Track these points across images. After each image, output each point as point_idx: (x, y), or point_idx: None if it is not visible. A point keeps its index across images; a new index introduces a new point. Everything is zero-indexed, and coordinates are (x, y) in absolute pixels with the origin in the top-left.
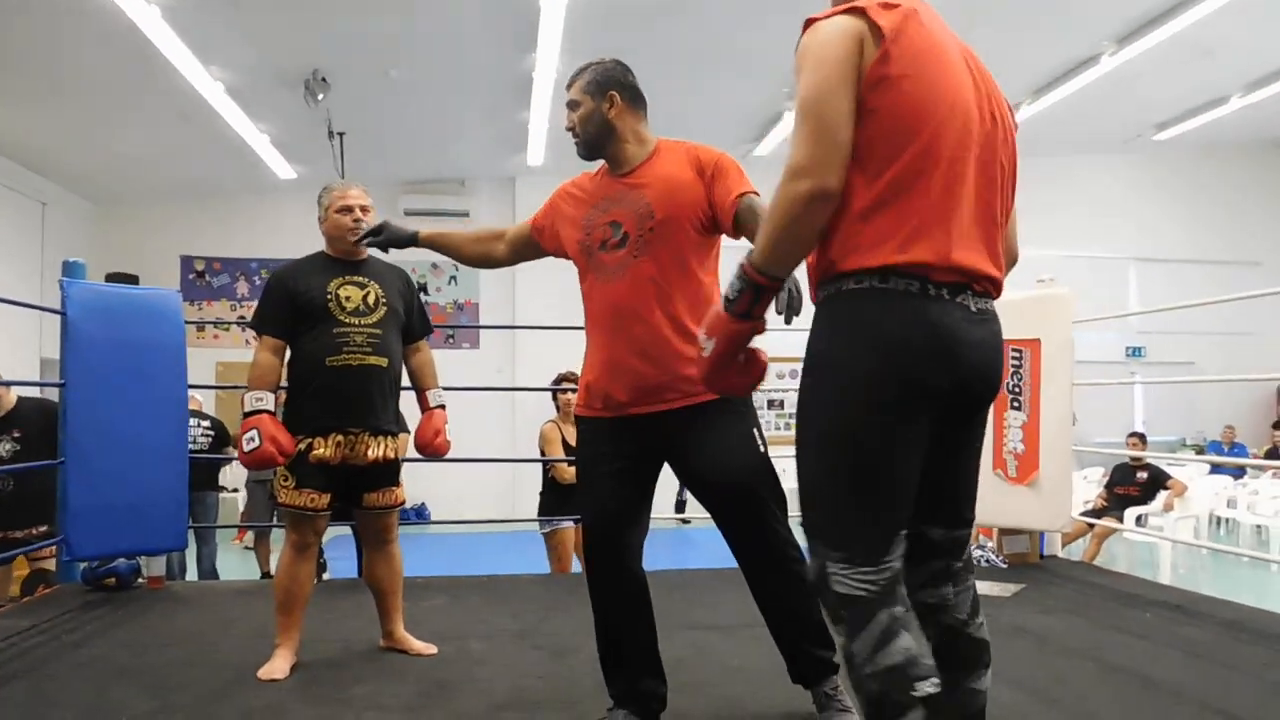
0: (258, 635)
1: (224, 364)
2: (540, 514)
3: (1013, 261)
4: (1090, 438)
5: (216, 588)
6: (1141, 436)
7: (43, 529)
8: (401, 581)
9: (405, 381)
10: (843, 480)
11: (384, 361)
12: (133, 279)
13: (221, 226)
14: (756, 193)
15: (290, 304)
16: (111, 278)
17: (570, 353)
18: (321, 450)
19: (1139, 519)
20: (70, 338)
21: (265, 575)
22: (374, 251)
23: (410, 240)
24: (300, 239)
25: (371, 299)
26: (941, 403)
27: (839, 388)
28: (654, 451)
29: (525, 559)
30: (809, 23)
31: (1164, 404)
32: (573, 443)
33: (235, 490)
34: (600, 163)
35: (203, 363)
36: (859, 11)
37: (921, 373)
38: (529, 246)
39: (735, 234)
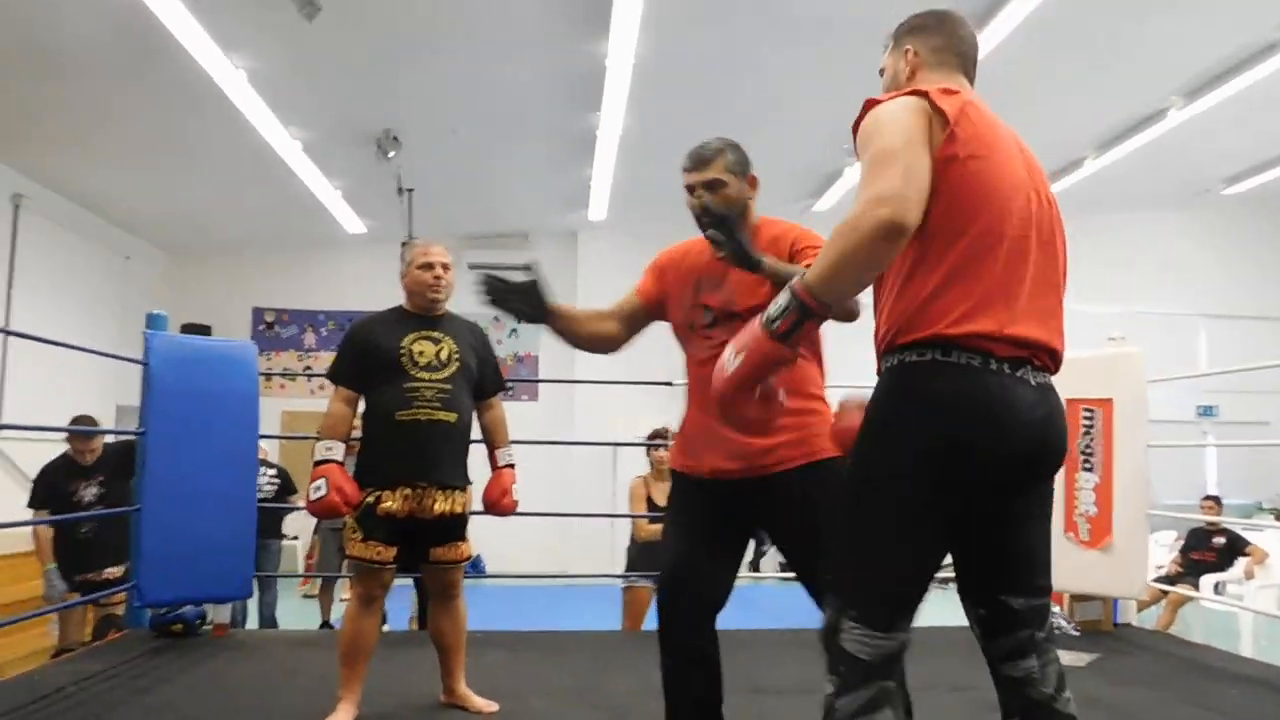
0: (319, 686)
1: (290, 413)
2: (625, 569)
3: None
4: (1160, 500)
5: (278, 637)
6: (1216, 500)
7: (118, 572)
8: (465, 637)
9: (476, 434)
10: (876, 546)
11: (453, 417)
12: (206, 330)
13: (291, 278)
14: None
15: (364, 357)
16: (186, 328)
17: (628, 406)
18: (389, 503)
19: (1217, 587)
20: (152, 387)
21: (325, 625)
22: (451, 307)
23: (542, 317)
24: (366, 291)
25: (444, 354)
26: (1001, 475)
27: (892, 458)
28: (743, 515)
29: (576, 614)
30: (869, 104)
31: (1238, 466)
32: (659, 500)
33: (296, 538)
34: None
35: (269, 412)
36: (922, 94)
37: (978, 444)
38: (642, 316)
39: None
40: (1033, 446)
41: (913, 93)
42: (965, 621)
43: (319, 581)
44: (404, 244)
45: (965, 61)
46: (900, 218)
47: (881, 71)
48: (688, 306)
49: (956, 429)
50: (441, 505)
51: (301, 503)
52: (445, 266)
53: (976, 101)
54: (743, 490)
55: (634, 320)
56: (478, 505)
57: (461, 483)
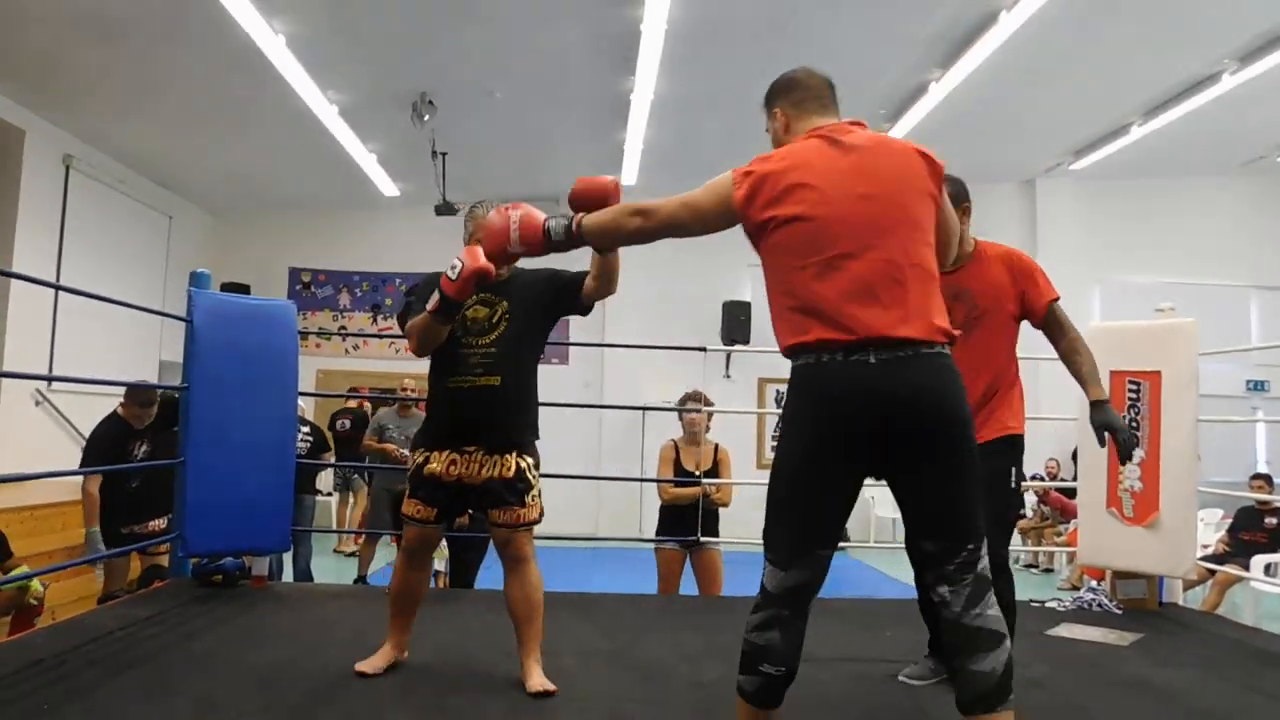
0: (355, 639)
1: (324, 371)
2: (656, 533)
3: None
4: (1206, 477)
5: (314, 590)
6: (1268, 478)
7: (162, 524)
8: (538, 609)
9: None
10: (773, 506)
11: (497, 380)
12: (245, 288)
13: (327, 240)
14: None
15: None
16: (226, 287)
17: (657, 372)
18: (434, 465)
19: (1268, 568)
20: (195, 343)
21: (360, 580)
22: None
23: None
24: (401, 254)
25: (496, 316)
26: (870, 443)
27: (784, 437)
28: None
29: (608, 576)
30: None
31: None
32: (687, 465)
33: (330, 494)
34: None
35: (305, 370)
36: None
37: (833, 422)
38: None
39: None
40: (889, 412)
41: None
42: None
43: (351, 537)
44: (470, 208)
45: (822, 102)
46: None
47: (767, 129)
48: None
49: (813, 411)
50: (489, 471)
51: (332, 458)
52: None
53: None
54: None
55: None
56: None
57: (514, 446)
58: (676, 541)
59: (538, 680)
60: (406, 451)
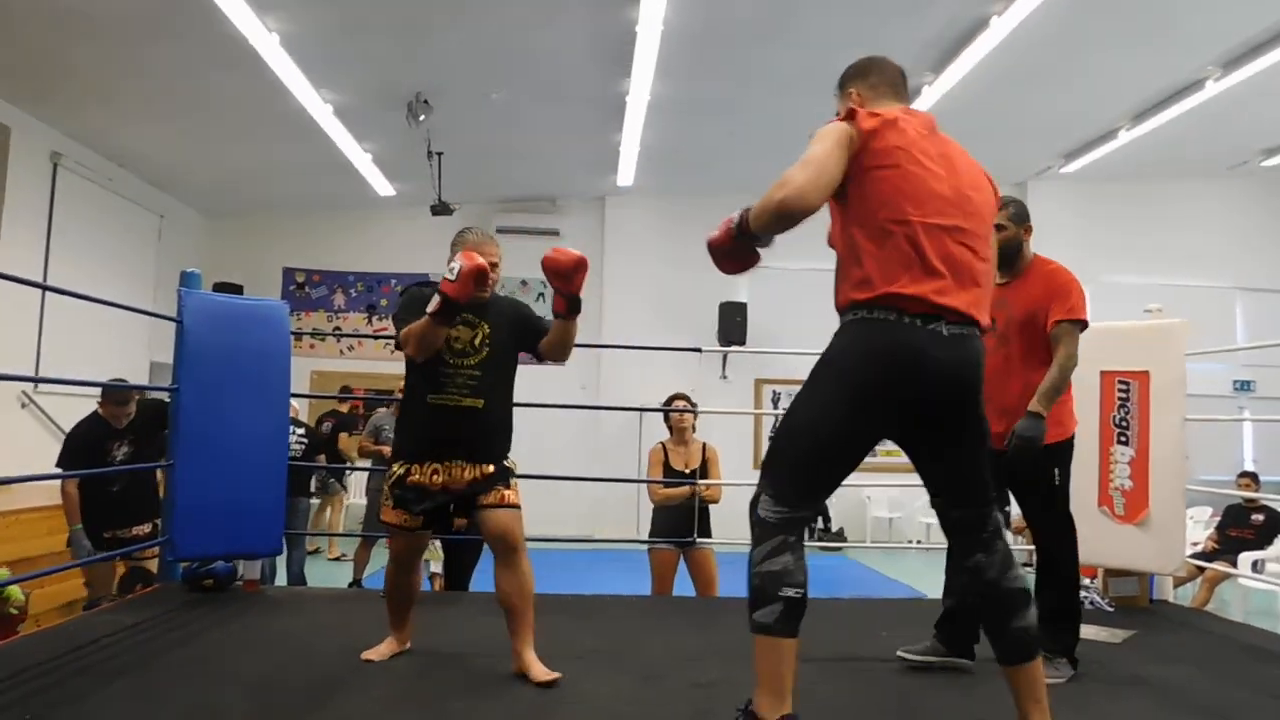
0: (350, 642)
1: (319, 373)
2: (649, 534)
3: None
4: (1194, 475)
5: (308, 594)
6: (1254, 476)
7: (146, 528)
8: (531, 600)
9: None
10: (799, 449)
11: (480, 403)
12: (238, 289)
13: (322, 240)
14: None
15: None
16: (219, 287)
17: (654, 373)
18: (418, 476)
19: (1256, 565)
20: (185, 344)
21: (355, 583)
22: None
23: None
24: (396, 254)
25: (479, 340)
26: (914, 406)
27: (822, 380)
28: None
29: (606, 578)
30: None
31: (1275, 441)
32: (675, 465)
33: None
34: None
35: (299, 371)
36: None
37: (885, 380)
38: None
39: None
40: (938, 380)
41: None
42: None
43: (329, 544)
44: (460, 233)
45: (896, 89)
46: (792, 203)
47: (837, 114)
48: None
49: (867, 366)
50: (471, 474)
51: (322, 460)
52: (494, 265)
53: (903, 118)
54: None
55: None
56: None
57: (494, 459)
58: (670, 542)
59: (540, 670)
60: None
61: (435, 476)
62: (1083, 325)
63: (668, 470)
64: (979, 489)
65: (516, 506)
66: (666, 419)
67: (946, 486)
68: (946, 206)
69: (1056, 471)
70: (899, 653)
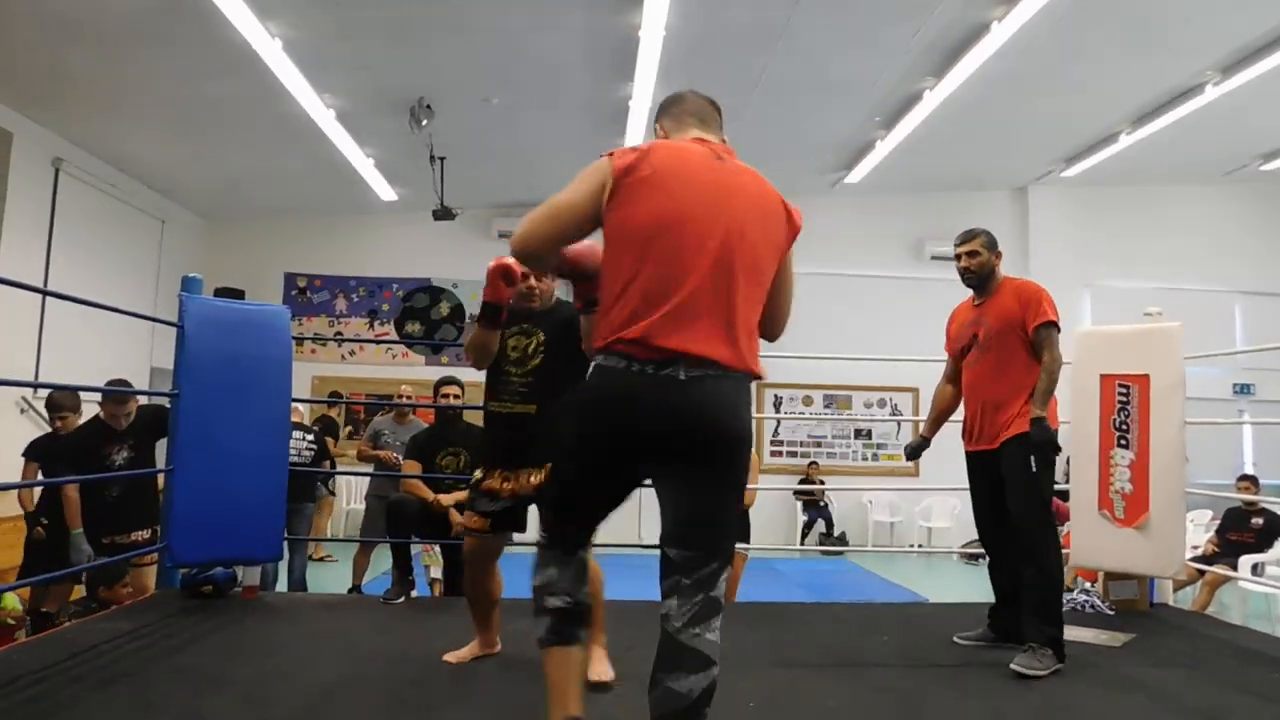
0: (349, 650)
1: (320, 378)
2: None
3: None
4: (1194, 479)
5: (308, 600)
6: (1254, 480)
7: (145, 534)
8: (598, 600)
9: None
10: (551, 490)
11: (533, 409)
12: (239, 294)
13: (323, 245)
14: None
15: None
16: (220, 292)
17: None
18: (490, 481)
19: (1255, 568)
20: (185, 349)
21: (355, 589)
22: (562, 294)
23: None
24: (398, 259)
25: (532, 348)
26: (635, 447)
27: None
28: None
29: (607, 583)
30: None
31: (1275, 445)
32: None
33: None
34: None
35: (301, 376)
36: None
37: (602, 424)
38: (958, 368)
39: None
40: (663, 425)
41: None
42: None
43: (315, 547)
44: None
45: (701, 118)
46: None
47: None
48: (962, 337)
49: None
50: (537, 478)
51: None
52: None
53: (674, 149)
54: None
55: (959, 374)
56: None
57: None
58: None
59: (598, 670)
60: (400, 457)
61: (505, 483)
62: (1057, 327)
63: None
64: (700, 534)
65: None
66: None
67: (672, 526)
68: (699, 244)
69: (1031, 459)
70: (955, 639)
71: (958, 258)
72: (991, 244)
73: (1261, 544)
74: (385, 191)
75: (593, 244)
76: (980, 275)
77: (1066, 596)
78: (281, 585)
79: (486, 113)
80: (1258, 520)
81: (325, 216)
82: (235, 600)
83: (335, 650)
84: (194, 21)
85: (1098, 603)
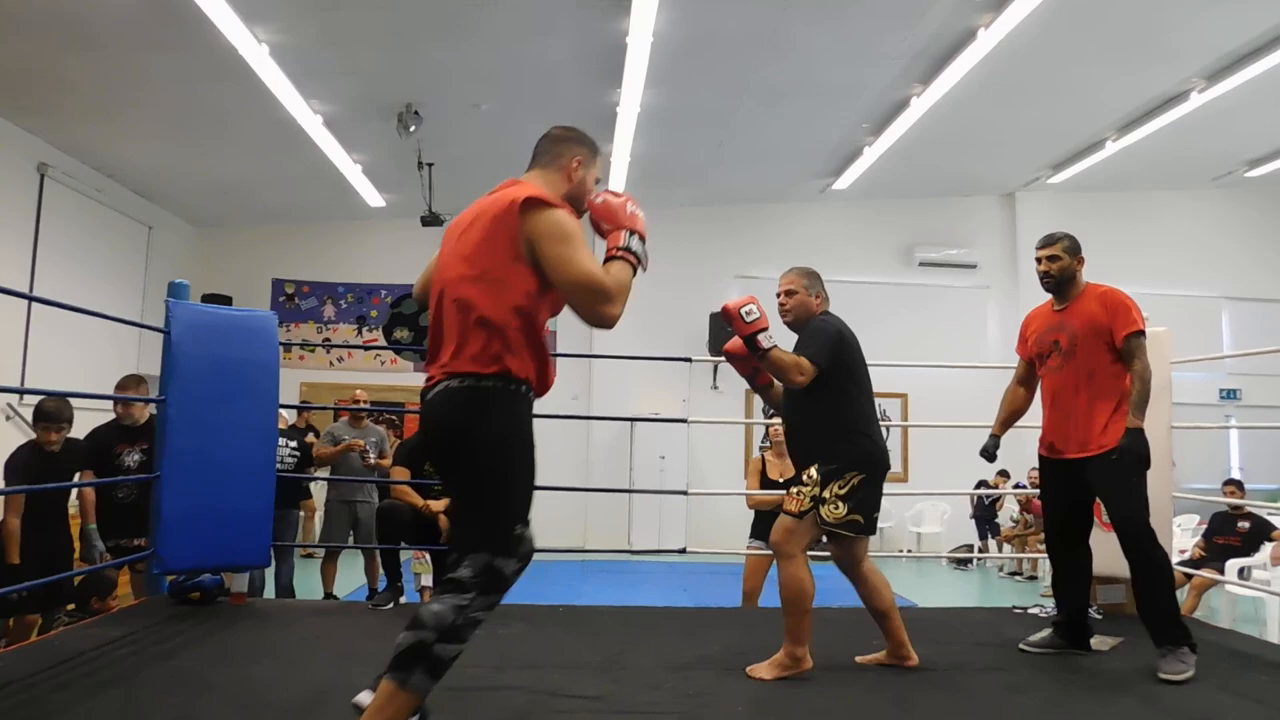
0: (338, 655)
1: (308, 384)
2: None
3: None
4: (1181, 483)
5: (297, 606)
6: (1239, 484)
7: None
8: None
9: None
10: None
11: (787, 422)
12: (226, 300)
13: (312, 251)
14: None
15: None
16: (207, 298)
17: (644, 383)
18: None
19: (1242, 571)
20: (172, 355)
21: (329, 596)
22: None
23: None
24: (386, 265)
25: None
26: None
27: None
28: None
29: (598, 589)
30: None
31: (1261, 450)
32: (772, 475)
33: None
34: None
35: (288, 383)
36: None
37: None
38: (1034, 371)
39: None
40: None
41: None
42: (988, 603)
43: (325, 553)
44: None
45: (533, 159)
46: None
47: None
48: (1041, 343)
49: None
50: None
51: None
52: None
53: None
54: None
55: (1031, 379)
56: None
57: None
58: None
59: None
60: (368, 449)
61: None
62: (1144, 335)
63: (764, 479)
64: (454, 538)
65: (784, 512)
66: (768, 430)
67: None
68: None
69: (1129, 469)
70: (1021, 646)
71: (1038, 260)
72: (1073, 249)
73: (1248, 548)
74: (373, 197)
75: (608, 201)
76: (1059, 280)
77: (1054, 601)
78: (269, 592)
79: (475, 118)
80: (1244, 524)
81: (313, 223)
82: (224, 607)
83: (325, 655)
84: (182, 27)
85: None
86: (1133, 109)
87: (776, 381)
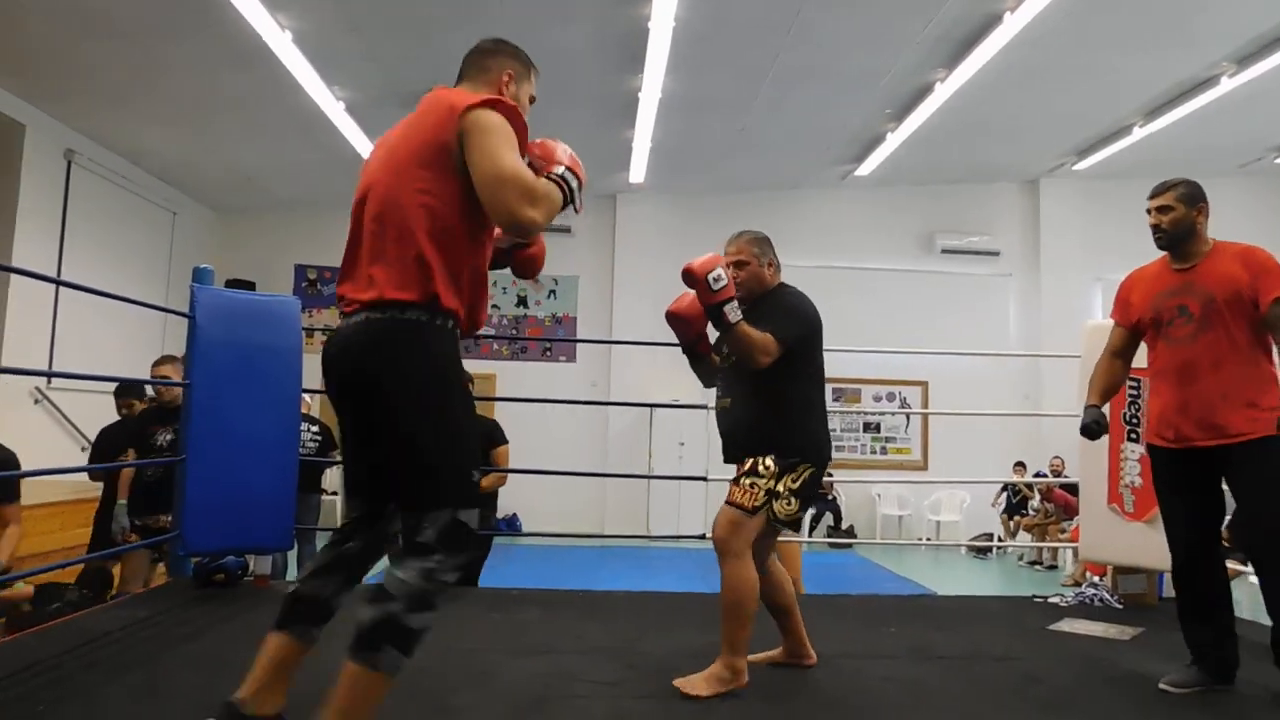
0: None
1: None
2: None
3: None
4: None
5: None
6: None
7: (169, 518)
8: (727, 608)
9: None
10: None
11: (727, 402)
12: (250, 285)
13: (334, 237)
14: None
15: None
16: (231, 284)
17: (663, 369)
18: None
19: None
20: (196, 340)
21: None
22: None
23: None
24: None
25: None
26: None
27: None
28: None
29: (615, 574)
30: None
31: None
32: None
33: (336, 494)
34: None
35: (311, 367)
36: None
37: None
38: (1133, 341)
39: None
40: (327, 366)
41: None
42: (1007, 592)
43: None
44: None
45: (460, 74)
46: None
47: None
48: (1166, 308)
49: None
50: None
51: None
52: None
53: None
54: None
55: (1130, 350)
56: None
57: (739, 457)
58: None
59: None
60: None
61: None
62: None
63: None
64: (364, 489)
65: (731, 504)
66: None
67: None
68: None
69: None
70: (1161, 685)
71: (1148, 212)
72: (1189, 197)
73: None
74: None
75: (545, 142)
76: (1173, 235)
77: (1076, 591)
78: (292, 575)
79: None
80: None
81: (336, 209)
82: (248, 589)
83: (342, 638)
84: (205, 14)
85: (1106, 596)
86: (1160, 94)
87: (715, 355)
